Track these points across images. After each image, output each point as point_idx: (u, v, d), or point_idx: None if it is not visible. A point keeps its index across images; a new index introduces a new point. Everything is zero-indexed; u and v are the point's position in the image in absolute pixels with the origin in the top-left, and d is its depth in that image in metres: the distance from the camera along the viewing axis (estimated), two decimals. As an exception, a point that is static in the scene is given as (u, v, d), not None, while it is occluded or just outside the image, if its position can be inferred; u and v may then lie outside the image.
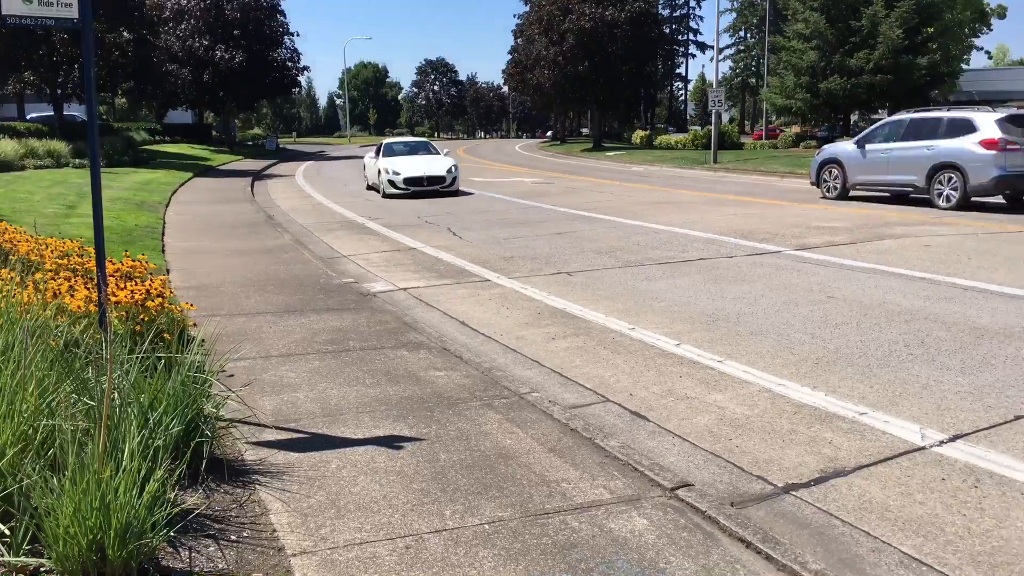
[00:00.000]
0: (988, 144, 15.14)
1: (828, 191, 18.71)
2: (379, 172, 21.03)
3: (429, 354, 6.27)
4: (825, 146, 21.27)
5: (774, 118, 55.56)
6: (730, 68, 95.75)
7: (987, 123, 15.44)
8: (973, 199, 15.65)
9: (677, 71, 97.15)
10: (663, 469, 4.18)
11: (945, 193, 15.85)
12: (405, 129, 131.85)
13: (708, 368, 6.05)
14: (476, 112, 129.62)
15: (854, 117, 49.55)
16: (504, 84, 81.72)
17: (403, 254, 11.76)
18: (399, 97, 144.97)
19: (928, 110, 17.92)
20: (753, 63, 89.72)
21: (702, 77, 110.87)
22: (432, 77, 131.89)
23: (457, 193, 20.76)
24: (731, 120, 79.65)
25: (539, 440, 4.53)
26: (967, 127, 15.75)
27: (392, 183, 20.32)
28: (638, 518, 3.64)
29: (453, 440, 4.51)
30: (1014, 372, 5.68)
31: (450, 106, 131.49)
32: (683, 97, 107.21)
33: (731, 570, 3.21)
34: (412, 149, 22.97)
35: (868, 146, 17.76)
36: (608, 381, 5.83)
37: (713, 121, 34.36)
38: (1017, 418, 4.85)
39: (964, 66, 47.55)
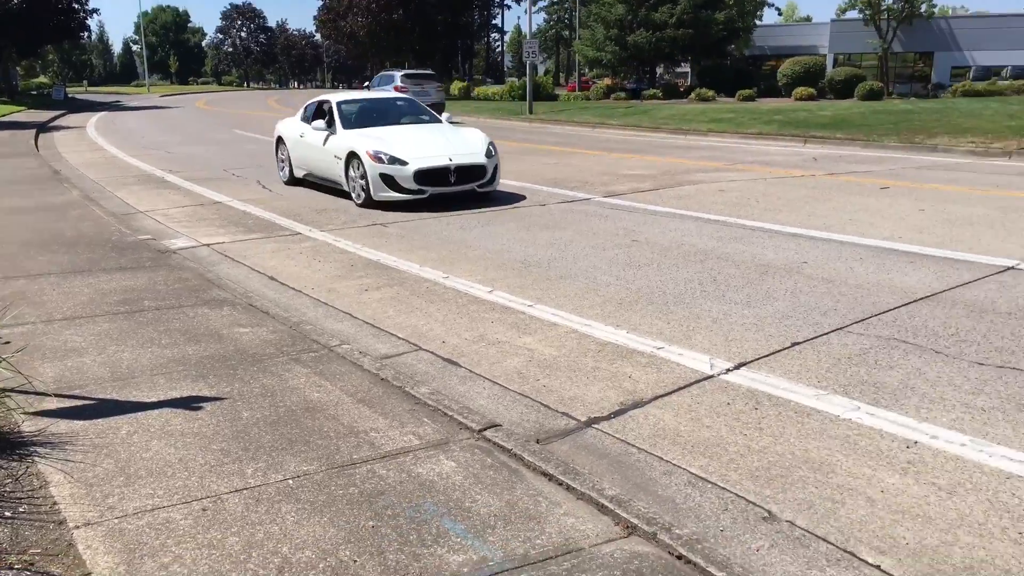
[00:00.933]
0: (396, 88, 30.24)
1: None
2: (348, 159, 11.22)
3: (233, 311, 6.00)
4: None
5: (587, 70, 56.90)
6: (544, 20, 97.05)
7: (398, 77, 32.75)
8: None
9: (494, 22, 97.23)
10: (472, 412, 4.24)
11: None
12: (229, 78, 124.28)
13: (519, 312, 6.17)
14: (288, 61, 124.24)
15: (659, 70, 51.65)
16: (316, 32, 78.68)
17: (207, 208, 11.16)
18: (203, 44, 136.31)
19: (388, 71, 36.73)
20: (566, 15, 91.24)
21: (518, 29, 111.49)
22: (239, 23, 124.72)
23: (491, 197, 11.46)
24: (547, 72, 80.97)
25: (348, 392, 4.46)
26: (393, 79, 32.59)
27: (388, 179, 10.65)
28: (446, 461, 3.67)
29: (257, 397, 4.36)
30: (792, 303, 6.19)
31: (260, 54, 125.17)
32: (500, 49, 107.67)
33: (533, 503, 3.31)
34: (393, 112, 12.84)
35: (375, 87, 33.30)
36: (421, 330, 5.82)
37: (528, 73, 34.69)
38: (794, 344, 5.28)
39: (757, 22, 50.57)
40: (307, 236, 9.18)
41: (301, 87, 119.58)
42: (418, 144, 11.22)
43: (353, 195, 11.29)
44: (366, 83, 41.61)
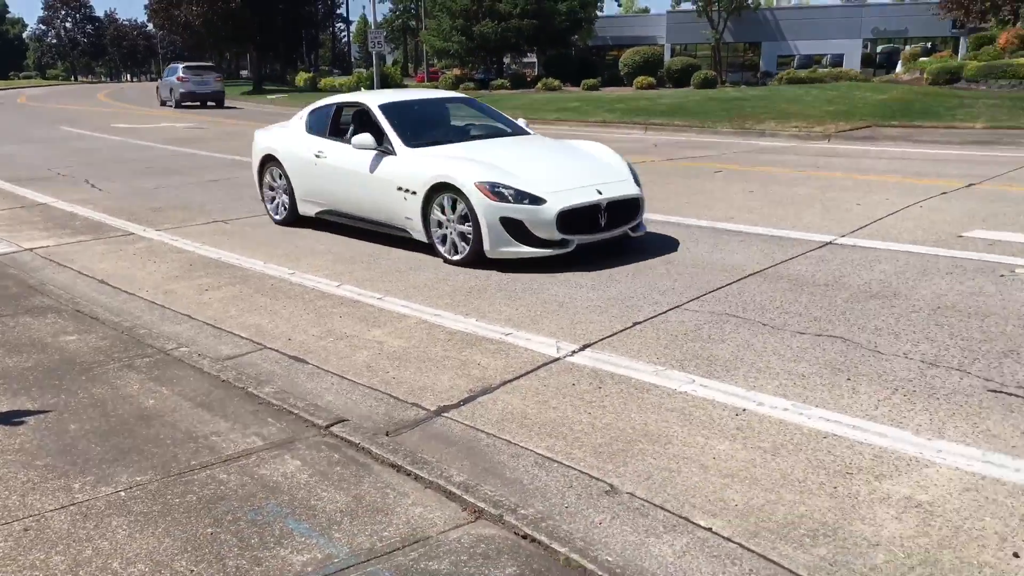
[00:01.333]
0: (179, 79, 35.69)
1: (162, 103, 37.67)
2: (431, 193, 7.25)
3: (59, 318, 5.63)
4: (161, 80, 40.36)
5: (435, 61, 56.79)
6: (391, 10, 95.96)
7: (180, 69, 36.30)
8: (181, 104, 35.46)
9: (338, 11, 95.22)
10: (319, 409, 4.17)
11: (171, 100, 36.10)
12: (55, 71, 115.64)
13: (368, 306, 6.11)
14: (119, 53, 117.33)
15: (507, 60, 52.23)
16: (149, 21, 74.57)
17: (30, 211, 10.40)
18: (24, 36, 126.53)
19: (174, 63, 39.71)
20: (412, 5, 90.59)
21: (364, 18, 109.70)
22: (63, 13, 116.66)
23: (631, 234, 7.67)
24: (395, 63, 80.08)
25: (187, 396, 4.29)
26: (176, 70, 36.18)
27: (514, 226, 6.87)
28: (291, 460, 3.59)
29: (86, 408, 4.11)
30: (633, 285, 6.42)
31: (87, 46, 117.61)
32: (346, 39, 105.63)
33: (381, 496, 3.30)
34: (450, 120, 9.14)
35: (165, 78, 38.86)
36: (266, 328, 5.66)
37: (375, 63, 34.24)
38: (635, 324, 5.49)
39: (599, 13, 51.98)
40: (141, 236, 8.73)
41: (135, 80, 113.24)
42: (545, 170, 7.42)
43: (441, 248, 7.36)
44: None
